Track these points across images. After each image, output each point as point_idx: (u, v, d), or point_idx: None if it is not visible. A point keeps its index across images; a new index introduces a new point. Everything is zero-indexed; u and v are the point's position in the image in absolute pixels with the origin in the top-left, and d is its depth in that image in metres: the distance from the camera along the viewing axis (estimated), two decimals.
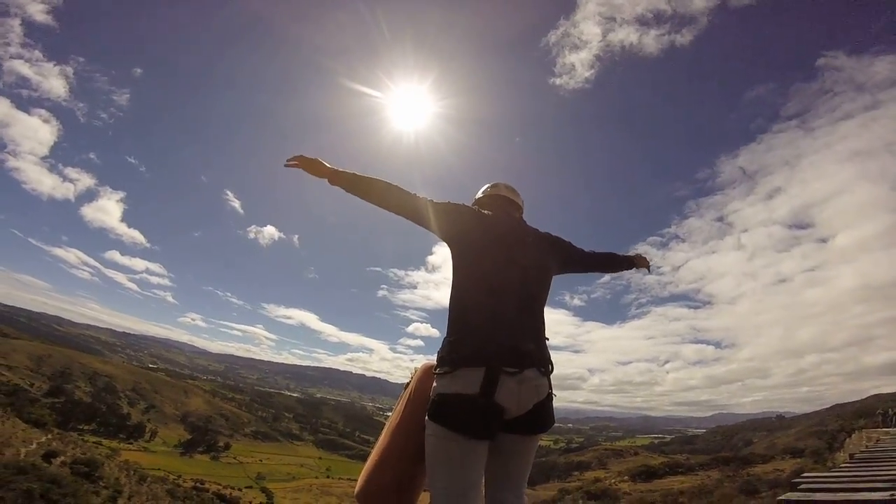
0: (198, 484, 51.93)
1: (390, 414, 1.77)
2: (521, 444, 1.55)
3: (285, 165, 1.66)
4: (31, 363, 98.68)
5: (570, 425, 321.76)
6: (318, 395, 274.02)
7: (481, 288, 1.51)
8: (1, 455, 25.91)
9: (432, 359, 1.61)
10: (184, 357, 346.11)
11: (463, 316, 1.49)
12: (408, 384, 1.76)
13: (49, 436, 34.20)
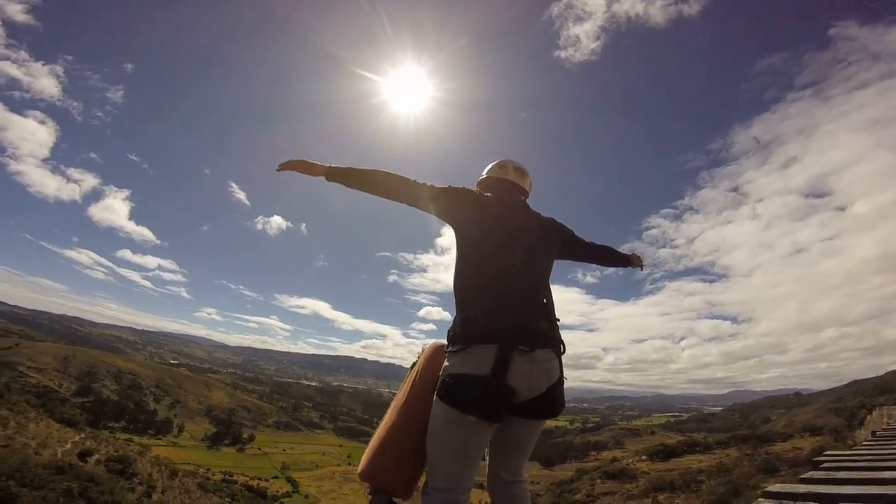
0: (226, 476, 53.73)
1: (396, 392, 1.77)
2: (527, 426, 1.55)
3: (277, 170, 1.70)
4: (58, 364, 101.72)
5: (585, 405, 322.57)
6: (336, 384, 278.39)
7: (486, 269, 1.51)
8: (39, 456, 26.81)
9: (442, 340, 1.63)
10: (203, 351, 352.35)
11: (470, 296, 1.49)
12: (414, 363, 1.76)
13: (82, 435, 35.23)
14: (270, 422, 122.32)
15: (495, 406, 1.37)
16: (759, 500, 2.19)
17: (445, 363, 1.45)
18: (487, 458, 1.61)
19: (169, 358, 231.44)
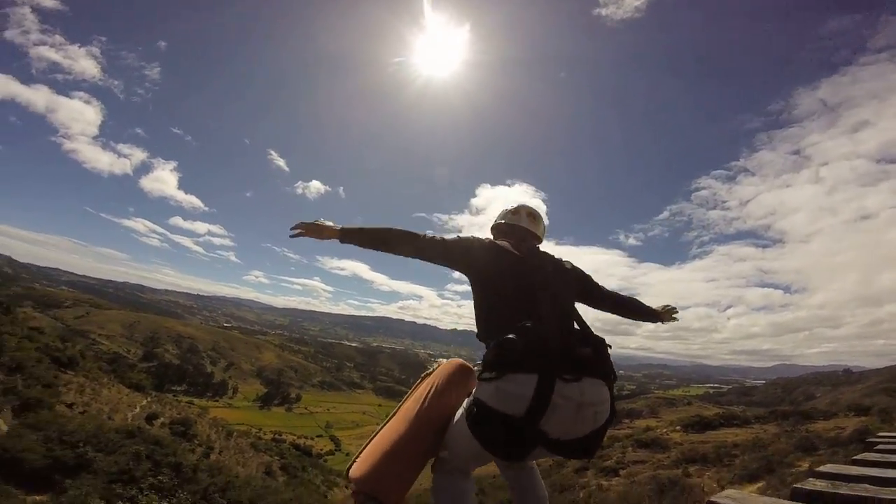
0: (276, 436, 58.47)
1: (403, 400, 1.70)
2: (546, 455, 1.41)
3: (291, 236, 1.68)
4: (125, 331, 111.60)
5: (621, 372, 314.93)
6: (375, 344, 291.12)
7: (514, 311, 1.42)
8: (112, 420, 29.74)
9: (461, 360, 1.67)
10: (253, 314, 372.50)
11: (501, 329, 1.34)
12: (428, 374, 1.71)
13: (148, 399, 38.65)
14: (315, 381, 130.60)
15: (521, 452, 1.27)
16: (811, 479, 2.05)
17: (477, 387, 1.33)
18: None
19: (222, 321, 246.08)
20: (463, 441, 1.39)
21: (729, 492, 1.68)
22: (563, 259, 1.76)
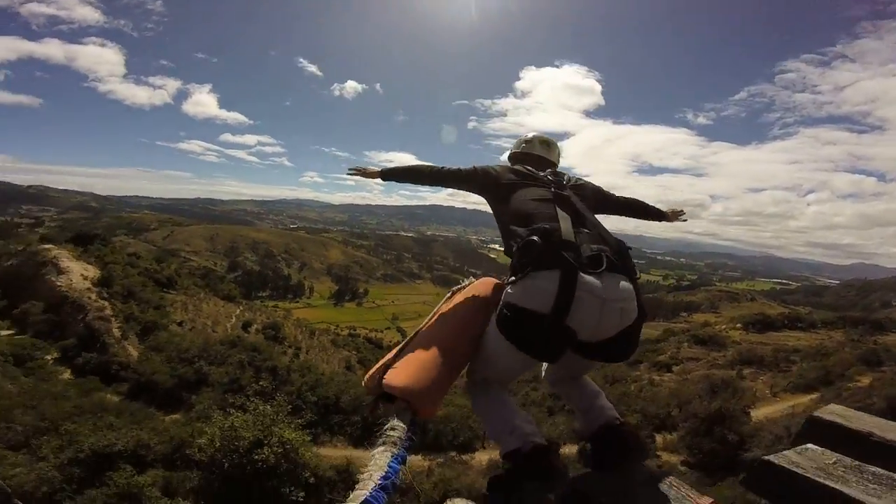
0: (351, 331, 65.74)
1: (435, 311, 1.71)
2: (588, 362, 1.53)
3: (348, 174, 2.04)
4: (207, 244, 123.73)
5: (682, 260, 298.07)
6: (429, 233, 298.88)
7: (537, 219, 1.48)
8: (215, 333, 34.17)
9: (493, 278, 1.78)
10: (314, 213, 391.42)
11: (526, 232, 1.43)
12: (462, 287, 1.77)
13: (241, 308, 43.04)
14: (379, 275, 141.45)
15: (553, 349, 1.35)
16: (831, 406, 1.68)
17: (505, 293, 1.40)
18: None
19: (288, 223, 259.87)
20: (498, 349, 1.43)
21: (833, 407, 1.54)
22: (577, 177, 1.85)
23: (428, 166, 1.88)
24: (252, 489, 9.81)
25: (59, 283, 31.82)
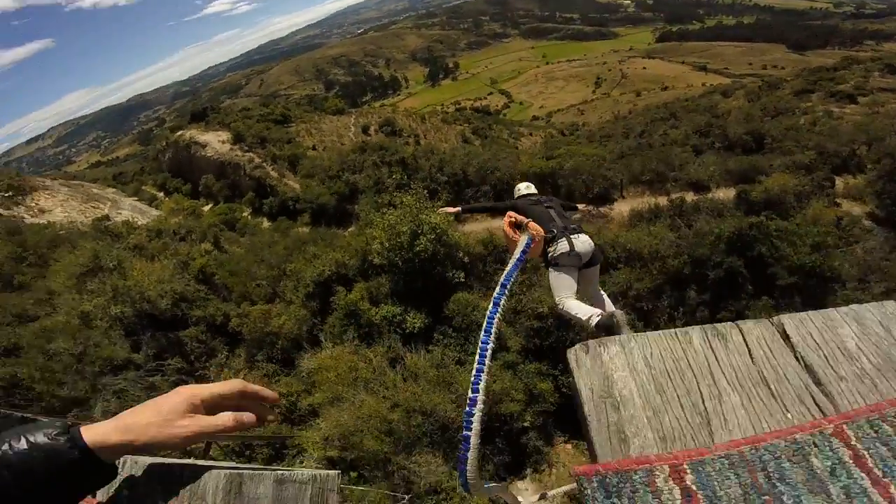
0: (456, 106, 64.16)
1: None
2: (589, 272, 3.25)
3: (437, 212, 4.57)
4: (296, 76, 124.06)
5: None
6: None
7: (545, 224, 3.05)
8: (343, 145, 36.47)
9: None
10: (374, 11, 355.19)
11: (547, 228, 3.09)
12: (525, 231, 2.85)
13: (353, 116, 43.52)
14: (462, 45, 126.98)
15: (578, 260, 3.05)
16: None
17: (549, 251, 3.08)
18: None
19: (354, 31, 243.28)
20: (559, 277, 3.03)
21: None
22: (549, 196, 3.61)
23: (492, 205, 5.72)
24: (428, 279, 10.52)
25: (208, 154, 36.87)
